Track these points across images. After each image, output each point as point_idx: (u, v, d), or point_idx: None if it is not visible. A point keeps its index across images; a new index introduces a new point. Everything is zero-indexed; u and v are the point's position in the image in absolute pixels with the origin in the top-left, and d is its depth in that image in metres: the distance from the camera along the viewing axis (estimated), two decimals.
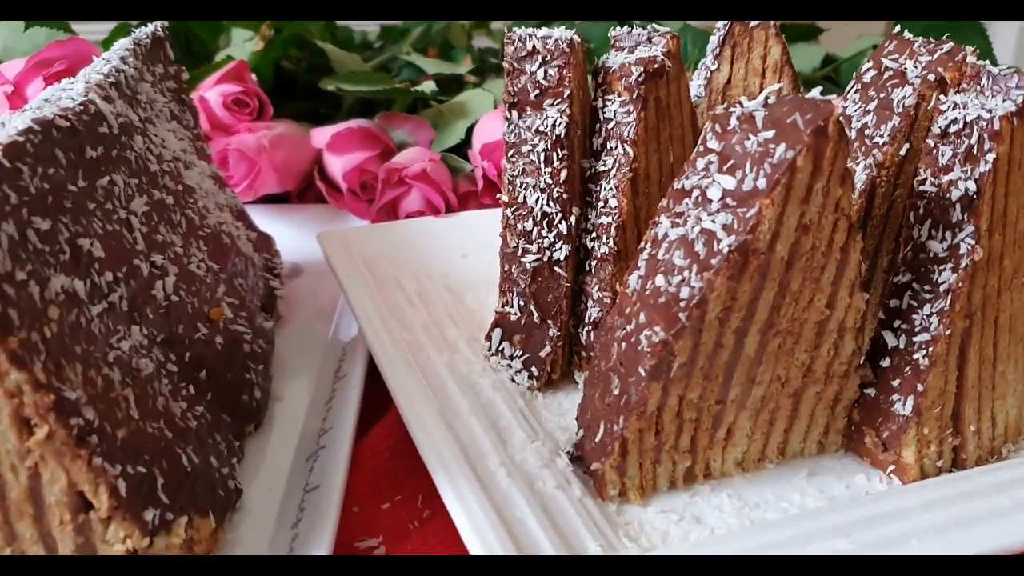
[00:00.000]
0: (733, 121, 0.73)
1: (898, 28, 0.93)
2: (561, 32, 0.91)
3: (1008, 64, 1.20)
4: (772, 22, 1.04)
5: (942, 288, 0.76)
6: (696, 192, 0.73)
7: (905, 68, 0.89)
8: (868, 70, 0.93)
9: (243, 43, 1.54)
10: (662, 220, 0.76)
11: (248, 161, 1.30)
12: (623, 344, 0.77)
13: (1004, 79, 0.76)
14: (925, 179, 0.78)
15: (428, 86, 1.42)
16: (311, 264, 1.26)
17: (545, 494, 0.74)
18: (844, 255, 0.74)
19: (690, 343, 0.72)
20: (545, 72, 0.90)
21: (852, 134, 0.92)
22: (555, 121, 0.90)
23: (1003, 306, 0.78)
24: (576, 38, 0.91)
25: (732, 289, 0.71)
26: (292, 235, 1.32)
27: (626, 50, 0.95)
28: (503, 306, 0.93)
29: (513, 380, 0.92)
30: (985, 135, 0.74)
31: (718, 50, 1.06)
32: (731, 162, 0.72)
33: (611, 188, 0.91)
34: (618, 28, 0.96)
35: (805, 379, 0.79)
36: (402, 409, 0.81)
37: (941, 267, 0.76)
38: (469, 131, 1.38)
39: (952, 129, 0.77)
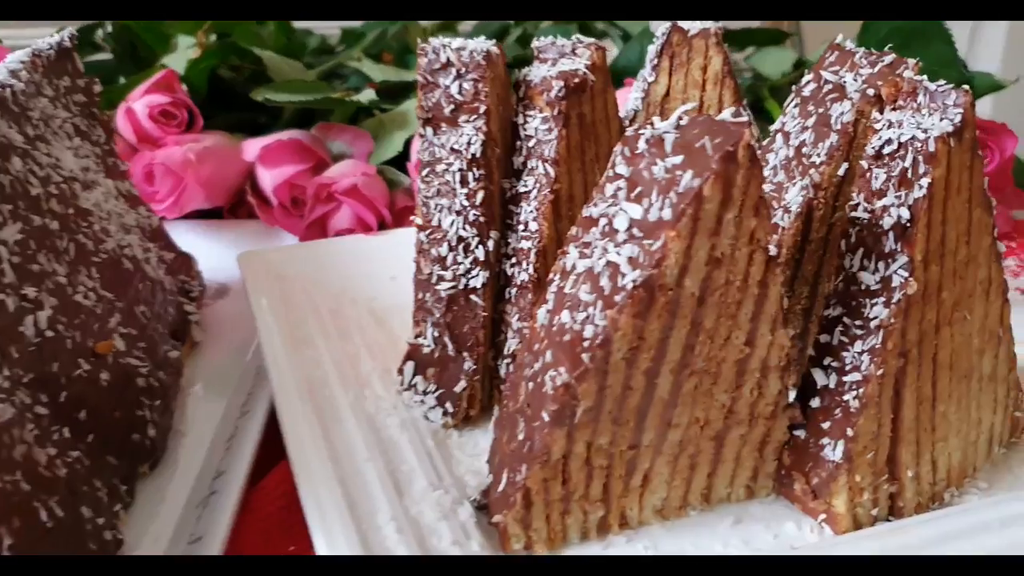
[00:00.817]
0: (642, 144, 0.66)
1: (841, 38, 0.87)
2: (477, 43, 0.85)
3: (995, 67, 1.14)
4: (713, 30, 0.98)
5: (873, 324, 0.70)
6: (604, 221, 0.67)
7: (844, 81, 0.83)
8: (808, 83, 0.87)
9: (185, 50, 1.47)
10: (571, 250, 0.70)
11: (173, 176, 1.24)
12: (530, 384, 0.70)
13: (942, 96, 0.70)
14: (858, 204, 0.72)
15: (367, 95, 1.36)
16: (238, 284, 1.20)
17: (439, 552, 0.68)
18: (763, 289, 0.67)
19: (595, 386, 0.66)
20: (460, 86, 0.84)
21: (790, 152, 0.86)
22: (470, 139, 0.84)
23: (942, 342, 0.72)
24: (494, 49, 0.85)
25: (639, 328, 0.65)
26: (220, 253, 1.26)
27: (549, 62, 0.88)
28: (416, 337, 0.87)
29: (427, 417, 0.85)
30: (920, 158, 0.68)
31: (656, 60, 1.00)
32: (639, 189, 0.66)
33: (531, 211, 0.85)
34: (542, 38, 0.90)
35: (727, 421, 0.72)
36: (291, 456, 0.75)
37: (873, 301, 0.70)
38: (409, 142, 1.32)
39: (886, 150, 0.70)
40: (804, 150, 0.84)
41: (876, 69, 0.81)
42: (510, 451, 0.72)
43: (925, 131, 0.68)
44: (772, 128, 0.90)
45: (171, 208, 1.25)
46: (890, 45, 0.85)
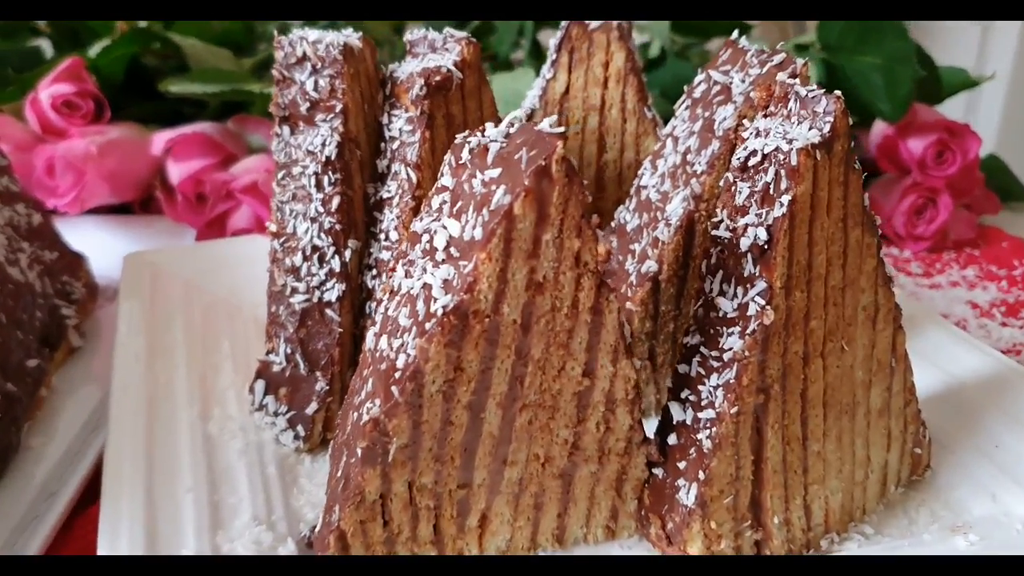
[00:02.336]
0: (465, 154, 0.60)
1: (736, 35, 0.79)
2: (335, 35, 0.78)
3: (1008, 70, 1.06)
4: (616, 23, 0.91)
5: (727, 356, 0.62)
6: (426, 237, 0.61)
7: (731, 83, 0.75)
8: (699, 83, 0.80)
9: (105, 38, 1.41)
10: (398, 267, 0.63)
11: (74, 170, 1.18)
12: (353, 415, 0.64)
13: (812, 103, 0.63)
14: (720, 221, 0.65)
15: None
16: None
17: None
18: (597, 316, 0.60)
19: (408, 422, 0.59)
20: (315, 82, 0.78)
21: (677, 158, 0.79)
22: (325, 139, 0.77)
23: (812, 376, 0.65)
24: (355, 42, 0.78)
25: (453, 358, 0.58)
26: (124, 250, 1.20)
27: (420, 57, 0.81)
28: (268, 353, 0.81)
29: (278, 441, 0.79)
30: (782, 172, 0.61)
31: (555, 56, 0.93)
32: (459, 204, 0.59)
33: (393, 219, 0.78)
34: (416, 31, 0.83)
35: (573, 457, 0.65)
36: (104, 480, 0.69)
37: (729, 330, 0.63)
38: None
39: (751, 162, 0.63)
40: (688, 157, 0.77)
41: (765, 70, 0.73)
42: (331, 488, 0.65)
43: (790, 142, 0.61)
44: (663, 132, 0.83)
45: (73, 203, 1.19)
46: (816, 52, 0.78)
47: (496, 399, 0.61)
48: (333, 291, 0.78)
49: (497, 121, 0.81)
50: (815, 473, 0.68)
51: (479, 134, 0.61)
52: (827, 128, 0.61)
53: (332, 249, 0.78)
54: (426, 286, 0.59)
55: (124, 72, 1.33)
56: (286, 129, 0.80)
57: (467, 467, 0.63)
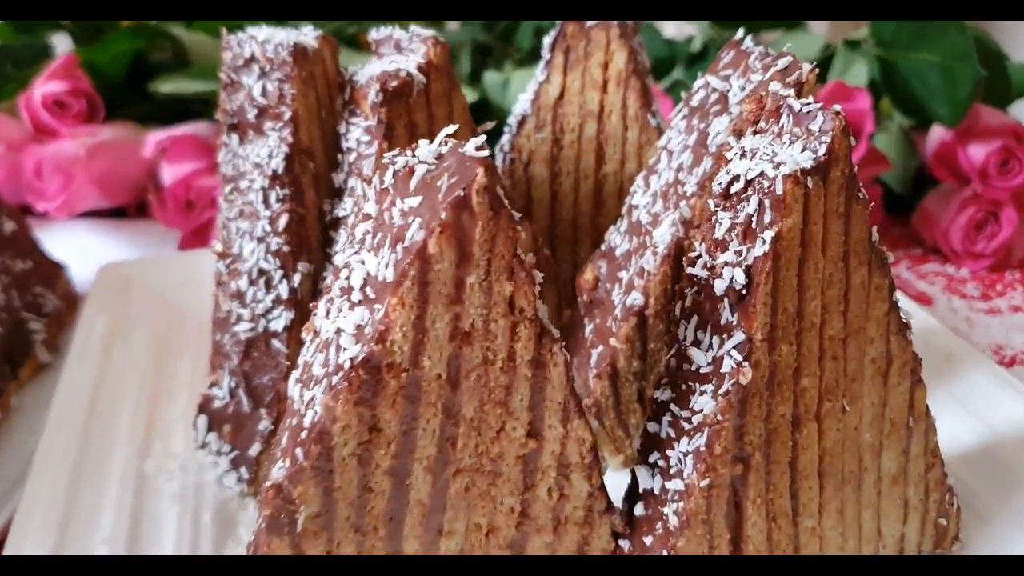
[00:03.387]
0: (388, 177, 0.51)
1: (741, 34, 0.69)
2: (287, 34, 0.70)
3: None
4: (616, 20, 0.81)
5: (697, 419, 0.53)
6: (345, 273, 0.52)
7: (728, 90, 0.65)
8: (698, 89, 0.69)
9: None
10: (320, 305, 0.55)
11: (63, 173, 1.13)
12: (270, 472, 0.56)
13: (807, 119, 0.52)
14: (699, 256, 0.55)
15: None
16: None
17: None
18: (539, 370, 0.51)
19: (317, 489, 0.51)
20: (263, 87, 0.70)
21: (670, 175, 0.69)
22: (272, 151, 0.69)
23: (805, 442, 0.55)
24: (309, 42, 0.70)
25: (367, 417, 0.50)
26: (113, 257, 1.15)
27: (384, 58, 0.73)
28: (211, 386, 0.73)
29: (223, 482, 0.72)
30: (766, 202, 0.51)
31: (549, 55, 0.83)
32: (379, 236, 0.50)
33: (347, 239, 0.69)
34: (380, 29, 0.74)
35: (523, 527, 0.56)
36: (12, 527, 0.62)
37: (702, 387, 0.53)
38: None
39: (734, 189, 0.53)
40: (680, 175, 0.67)
41: (767, 75, 0.63)
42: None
43: (777, 166, 0.51)
44: (658, 144, 0.73)
45: (61, 207, 1.14)
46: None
47: (423, 463, 0.52)
48: (280, 320, 0.70)
49: (472, 132, 0.72)
50: (809, 551, 0.57)
51: (409, 153, 0.52)
52: (822, 150, 0.51)
53: (280, 273, 0.70)
54: (339, 331, 0.50)
55: (127, 69, 1.27)
56: (234, 138, 0.72)
57: (395, 538, 0.54)
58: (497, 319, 0.49)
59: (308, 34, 0.72)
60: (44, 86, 1.18)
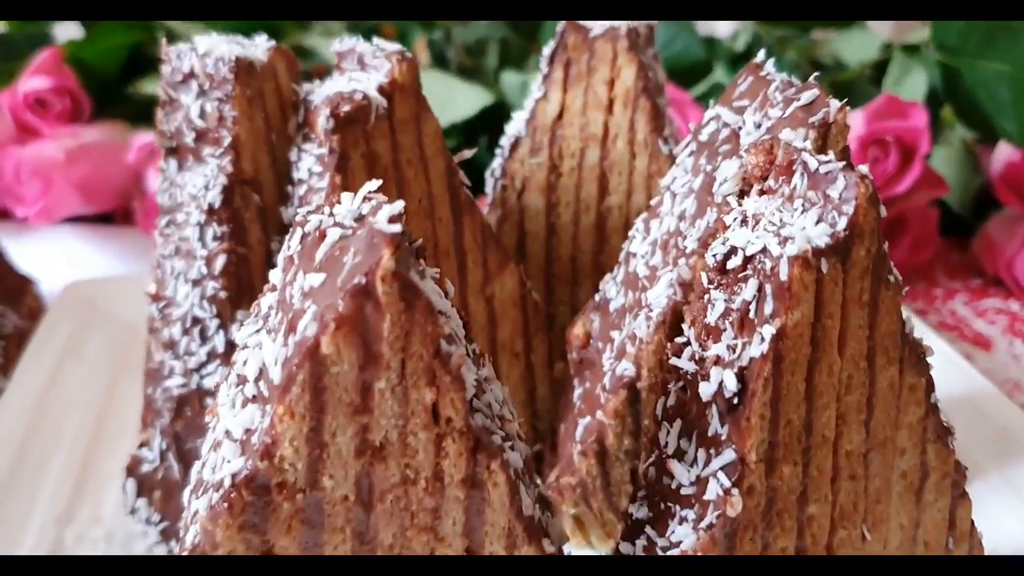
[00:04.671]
0: (295, 241, 0.41)
1: (762, 56, 0.58)
2: (229, 46, 0.60)
3: None
4: (624, 30, 0.70)
5: (674, 552, 0.42)
6: (242, 357, 0.43)
7: (741, 126, 0.54)
8: (708, 121, 0.58)
9: None
10: (221, 388, 0.45)
11: (42, 177, 1.05)
12: None
13: (825, 181, 0.41)
14: (686, 343, 0.44)
15: None
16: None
17: None
18: (475, 491, 0.41)
19: None
20: (201, 107, 0.60)
21: (672, 223, 0.58)
22: (208, 181, 0.60)
23: None
24: (256, 56, 0.61)
25: (256, 544, 0.40)
26: (95, 268, 1.07)
27: (346, 74, 0.63)
28: (140, 446, 0.64)
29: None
30: (768, 287, 0.40)
31: (547, 69, 0.72)
32: (279, 316, 0.40)
33: None
34: (346, 39, 0.64)
35: None
36: None
37: (682, 512, 0.42)
38: None
39: (731, 264, 0.42)
40: (682, 225, 0.56)
41: (788, 112, 0.52)
42: None
43: (783, 242, 0.40)
44: (662, 183, 0.62)
45: (40, 214, 1.06)
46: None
47: None
48: (215, 376, 0.61)
49: (447, 164, 0.62)
50: None
51: (325, 211, 0.42)
52: (842, 224, 0.40)
53: (215, 322, 0.61)
54: (227, 433, 0.40)
55: (121, 65, 1.19)
56: (172, 163, 0.63)
57: None
58: (417, 431, 0.39)
59: (259, 45, 0.62)
60: (27, 82, 1.10)
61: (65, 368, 0.79)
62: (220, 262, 0.60)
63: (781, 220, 0.41)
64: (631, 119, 0.71)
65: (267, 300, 0.43)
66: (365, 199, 0.42)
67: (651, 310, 0.56)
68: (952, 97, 1.17)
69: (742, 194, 0.52)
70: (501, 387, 0.47)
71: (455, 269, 0.65)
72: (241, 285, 0.61)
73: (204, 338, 0.61)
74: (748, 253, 0.41)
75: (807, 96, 0.51)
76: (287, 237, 0.42)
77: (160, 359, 0.63)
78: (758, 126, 0.53)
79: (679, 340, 0.44)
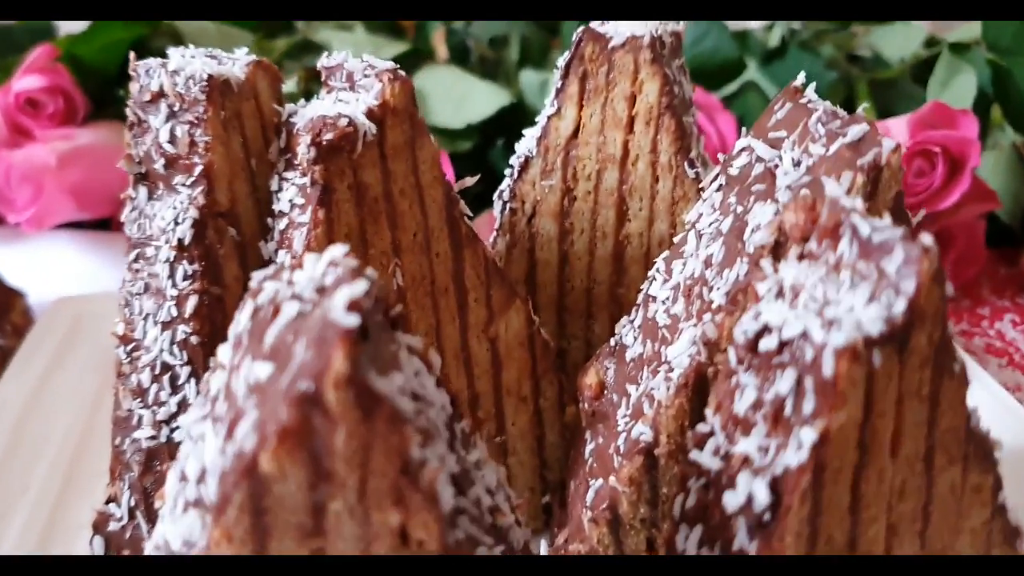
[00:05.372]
0: (245, 318, 0.35)
1: (802, 79, 0.50)
2: (203, 62, 0.54)
3: None
4: (647, 38, 0.62)
5: None
6: (186, 448, 0.36)
7: (778, 164, 0.47)
8: (740, 152, 0.51)
9: None
10: (174, 468, 0.39)
11: (33, 183, 1.00)
12: None
13: (879, 252, 0.34)
14: (709, 434, 0.37)
15: None
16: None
17: None
18: None
19: None
20: (172, 131, 0.54)
21: (696, 266, 0.51)
22: (178, 215, 0.54)
23: None
24: (234, 72, 0.54)
25: None
26: (89, 276, 1.02)
27: (334, 94, 0.56)
28: (108, 502, 0.59)
29: None
30: (808, 382, 0.33)
31: (560, 82, 0.65)
32: (225, 409, 0.34)
33: None
34: (331, 55, 0.58)
35: None
36: None
37: None
38: None
39: (763, 345, 0.35)
40: (708, 273, 0.49)
41: (832, 149, 0.44)
42: None
43: (828, 325, 0.33)
44: (687, 218, 0.55)
45: (32, 220, 1.01)
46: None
47: None
48: None
49: (443, 191, 0.56)
50: None
51: (284, 278, 0.36)
52: (900, 307, 0.33)
53: (187, 370, 0.55)
54: (166, 543, 0.34)
55: (120, 62, 1.13)
56: (142, 192, 0.57)
57: None
58: (381, 555, 0.32)
59: (238, 60, 0.56)
60: (19, 81, 1.04)
61: (40, 398, 0.74)
62: (191, 303, 0.54)
63: (825, 296, 0.34)
64: (654, 139, 0.64)
65: (216, 381, 0.36)
66: (331, 265, 0.35)
67: (671, 369, 0.50)
68: (1003, 99, 1.08)
69: (777, 247, 0.45)
70: (496, 469, 0.41)
71: (455, 308, 0.59)
72: (215, 329, 0.55)
73: (175, 387, 0.55)
74: (785, 336, 0.34)
75: (854, 132, 0.44)
76: (237, 310, 0.36)
77: (128, 407, 0.57)
78: (797, 164, 0.46)
79: (701, 429, 0.38)
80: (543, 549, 0.58)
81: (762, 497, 0.34)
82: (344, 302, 0.31)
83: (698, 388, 0.49)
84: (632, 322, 0.58)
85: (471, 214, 0.59)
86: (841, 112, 0.47)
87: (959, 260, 1.03)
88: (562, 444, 0.66)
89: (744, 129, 0.52)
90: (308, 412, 0.29)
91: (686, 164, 0.64)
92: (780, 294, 0.36)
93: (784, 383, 0.34)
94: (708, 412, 0.38)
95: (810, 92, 0.49)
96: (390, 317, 0.37)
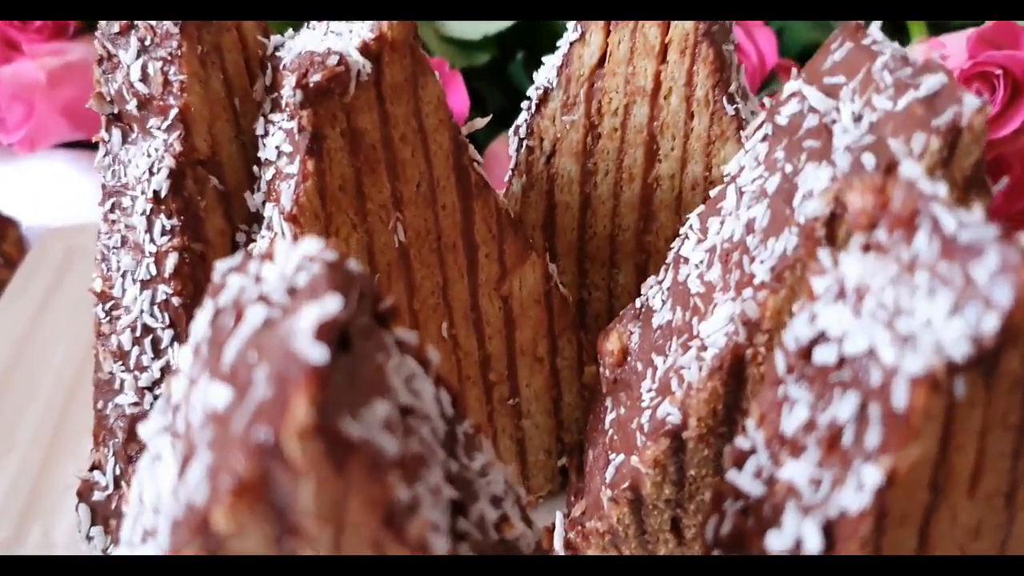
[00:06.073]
0: (203, 325, 0.29)
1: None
2: None
3: None
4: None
5: None
6: (140, 478, 0.32)
7: (835, 119, 0.40)
8: (789, 99, 0.44)
9: None
10: (139, 473, 0.34)
11: (23, 102, 0.93)
12: None
13: (968, 252, 0.28)
14: (750, 451, 0.32)
15: None
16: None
17: None
18: None
19: None
20: (143, 68, 0.48)
21: (737, 229, 0.45)
22: (153, 163, 0.48)
23: None
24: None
25: None
26: (91, 197, 0.97)
27: (322, 26, 0.49)
28: (92, 469, 0.55)
29: None
30: (873, 410, 0.27)
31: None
32: (183, 426, 0.29)
33: None
34: None
35: None
36: None
37: None
38: None
39: (819, 357, 0.30)
40: (750, 239, 0.43)
41: (900, 104, 0.38)
42: None
43: (903, 342, 0.27)
44: (726, 169, 0.48)
45: (24, 142, 0.95)
46: None
47: None
48: None
49: (450, 136, 0.49)
50: None
51: (250, 272, 0.30)
52: (992, 323, 0.27)
53: (169, 334, 0.50)
54: None
55: None
56: (116, 134, 0.51)
57: None
58: None
59: None
60: None
61: (37, 328, 0.70)
62: (171, 261, 0.49)
63: (896, 303, 0.28)
64: (689, 70, 0.57)
65: (176, 388, 0.31)
66: (309, 260, 0.29)
67: (705, 348, 0.44)
68: None
69: (832, 220, 0.39)
70: (503, 469, 0.37)
71: (463, 265, 0.53)
72: (199, 288, 0.50)
73: (157, 351, 0.51)
74: (847, 352, 0.28)
75: (929, 83, 0.37)
76: (200, 308, 0.30)
77: (110, 370, 0.52)
78: (857, 119, 0.39)
79: (741, 445, 0.32)
80: (558, 519, 0.54)
81: (813, 542, 0.28)
82: (312, 327, 0.25)
83: (734, 371, 0.44)
84: (660, 283, 0.52)
85: (481, 160, 0.53)
86: (912, 57, 0.40)
87: (1013, 190, 0.95)
88: (581, 404, 0.61)
89: (795, 70, 0.45)
90: (267, 464, 0.24)
91: (724, 99, 0.57)
92: (841, 295, 0.30)
93: (844, 407, 0.28)
94: (749, 424, 0.33)
95: (874, 30, 0.42)
96: (379, 313, 0.32)
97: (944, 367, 0.27)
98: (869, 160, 0.37)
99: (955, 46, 0.89)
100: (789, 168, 0.42)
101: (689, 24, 0.56)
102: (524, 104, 0.61)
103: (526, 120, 0.61)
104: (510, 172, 0.62)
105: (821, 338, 0.30)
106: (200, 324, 0.30)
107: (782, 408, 0.31)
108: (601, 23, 0.58)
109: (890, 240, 0.30)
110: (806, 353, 0.31)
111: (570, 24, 0.60)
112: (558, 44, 0.60)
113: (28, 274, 0.77)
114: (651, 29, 0.57)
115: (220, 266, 0.31)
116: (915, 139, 0.36)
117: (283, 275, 0.29)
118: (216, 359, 0.28)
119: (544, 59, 0.61)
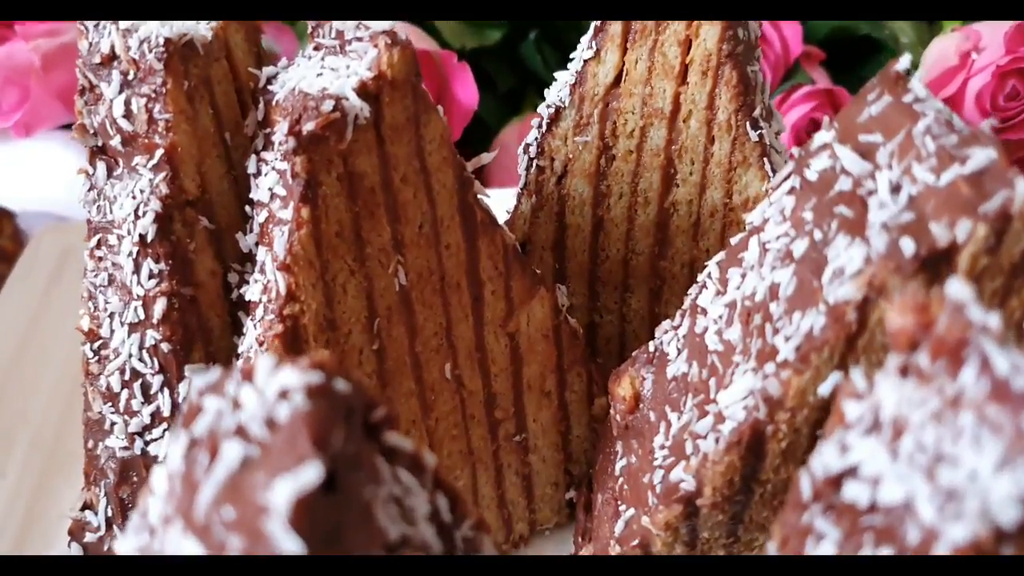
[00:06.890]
0: (178, 458, 0.27)
1: (904, 64, 0.40)
2: (156, 25, 0.44)
3: None
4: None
5: None
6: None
7: (871, 190, 0.37)
8: (820, 149, 0.41)
9: None
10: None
11: (18, 85, 0.90)
12: None
13: (1020, 399, 0.25)
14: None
15: None
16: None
17: None
18: None
19: None
20: (127, 103, 0.45)
21: (760, 290, 0.42)
22: (139, 205, 0.45)
23: None
24: (202, 33, 0.44)
25: None
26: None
27: (321, 57, 0.46)
28: (83, 508, 0.53)
29: None
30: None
31: (600, 23, 0.54)
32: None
33: (253, 343, 0.46)
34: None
35: None
36: None
37: None
38: None
39: (850, 493, 0.27)
40: (773, 306, 0.40)
41: (943, 178, 0.34)
42: None
43: (943, 497, 0.24)
44: (748, 219, 0.45)
45: (19, 126, 0.92)
46: None
47: None
48: (161, 443, 0.48)
49: (455, 174, 0.46)
50: None
51: (230, 390, 0.27)
52: None
53: (159, 379, 0.48)
54: None
55: None
56: (100, 167, 0.48)
57: None
58: None
59: (173, 27, 0.45)
60: None
61: (25, 352, 0.68)
62: (160, 307, 0.46)
63: (938, 447, 0.26)
64: (711, 92, 0.54)
65: (155, 508, 0.29)
66: (287, 391, 0.27)
67: (723, 419, 0.42)
68: None
69: (864, 304, 0.36)
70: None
71: (468, 304, 0.50)
72: (189, 333, 0.47)
73: (147, 396, 0.49)
74: (881, 499, 0.26)
75: (977, 159, 0.34)
76: (171, 436, 0.28)
77: (99, 410, 0.50)
78: (895, 190, 0.36)
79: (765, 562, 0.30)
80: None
81: None
82: (286, 508, 0.23)
83: (752, 446, 0.41)
84: (676, 329, 0.49)
85: (487, 194, 0.50)
86: (958, 122, 0.36)
87: None
88: (590, 436, 0.59)
89: (826, 119, 0.42)
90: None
91: (748, 124, 0.54)
92: (876, 427, 0.27)
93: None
94: (771, 546, 0.30)
95: (916, 84, 0.38)
96: (371, 424, 0.29)
97: (991, 535, 0.24)
98: (908, 245, 0.34)
99: (991, 37, 0.84)
100: (819, 235, 0.39)
101: (712, 45, 0.53)
102: (534, 122, 0.58)
103: (536, 139, 0.58)
104: (519, 191, 0.59)
105: (851, 473, 0.27)
106: (174, 456, 0.27)
107: (806, 541, 0.29)
108: (618, 41, 0.54)
109: (932, 368, 0.27)
110: (835, 483, 0.28)
111: (583, 41, 0.56)
112: (571, 57, 0.57)
113: (24, 273, 0.75)
114: (671, 48, 0.54)
115: (196, 382, 0.28)
116: (960, 225, 0.33)
117: (264, 401, 0.27)
118: (189, 505, 0.26)
119: (557, 75, 0.58)
